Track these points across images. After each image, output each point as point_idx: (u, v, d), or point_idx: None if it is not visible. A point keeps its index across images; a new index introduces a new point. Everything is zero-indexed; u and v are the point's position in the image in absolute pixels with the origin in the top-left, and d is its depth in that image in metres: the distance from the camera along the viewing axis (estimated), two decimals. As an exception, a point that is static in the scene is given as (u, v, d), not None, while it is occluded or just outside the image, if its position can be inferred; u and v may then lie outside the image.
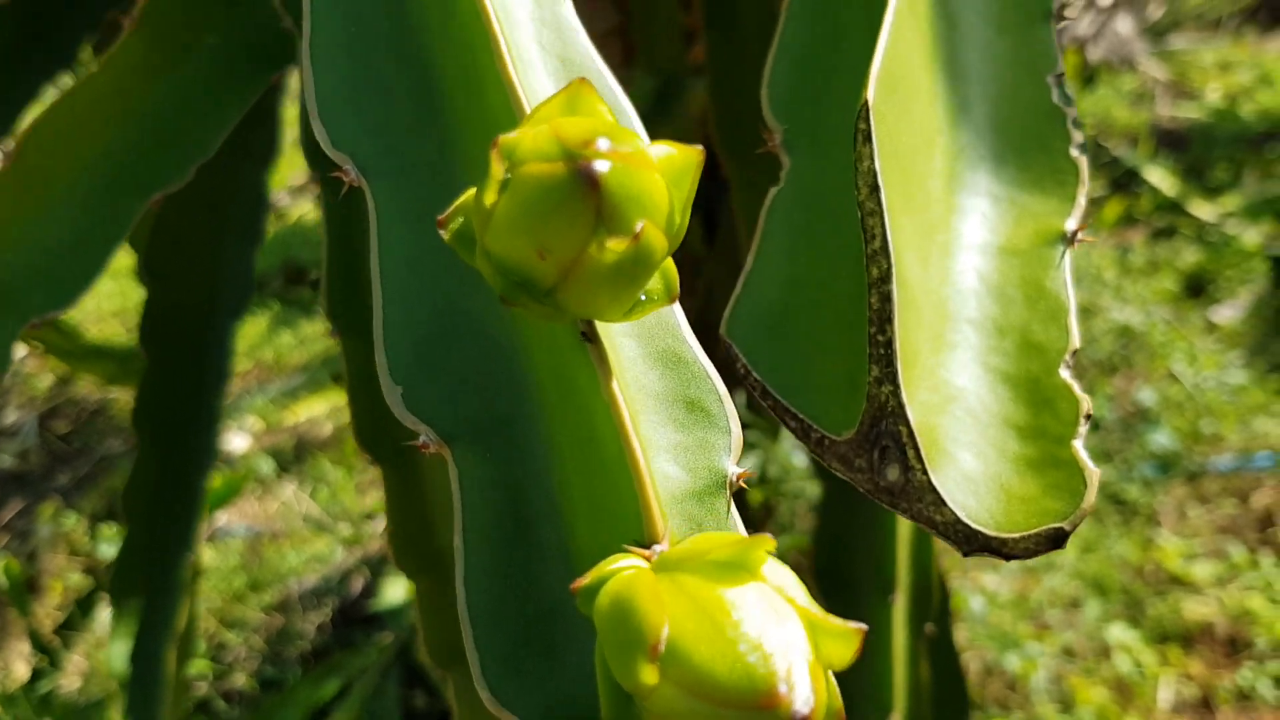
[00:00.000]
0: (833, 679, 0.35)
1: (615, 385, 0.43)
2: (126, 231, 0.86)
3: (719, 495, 0.46)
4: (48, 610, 2.68)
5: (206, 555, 2.75)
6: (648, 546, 0.41)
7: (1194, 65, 4.49)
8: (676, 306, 0.46)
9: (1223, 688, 2.13)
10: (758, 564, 0.36)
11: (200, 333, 1.29)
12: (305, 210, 4.28)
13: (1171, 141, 3.97)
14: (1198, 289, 3.19)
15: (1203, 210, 3.44)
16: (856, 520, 1.11)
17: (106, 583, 1.71)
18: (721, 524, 0.46)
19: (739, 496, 0.47)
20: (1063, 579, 2.38)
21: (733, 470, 0.46)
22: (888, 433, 0.49)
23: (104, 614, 2.38)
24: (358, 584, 2.70)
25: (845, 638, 0.35)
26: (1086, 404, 0.50)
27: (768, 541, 0.36)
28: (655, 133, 0.50)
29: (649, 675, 0.34)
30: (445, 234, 0.40)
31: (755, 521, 1.88)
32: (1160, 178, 3.62)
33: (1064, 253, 0.54)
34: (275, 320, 3.65)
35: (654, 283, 0.41)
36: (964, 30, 0.61)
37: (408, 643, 2.37)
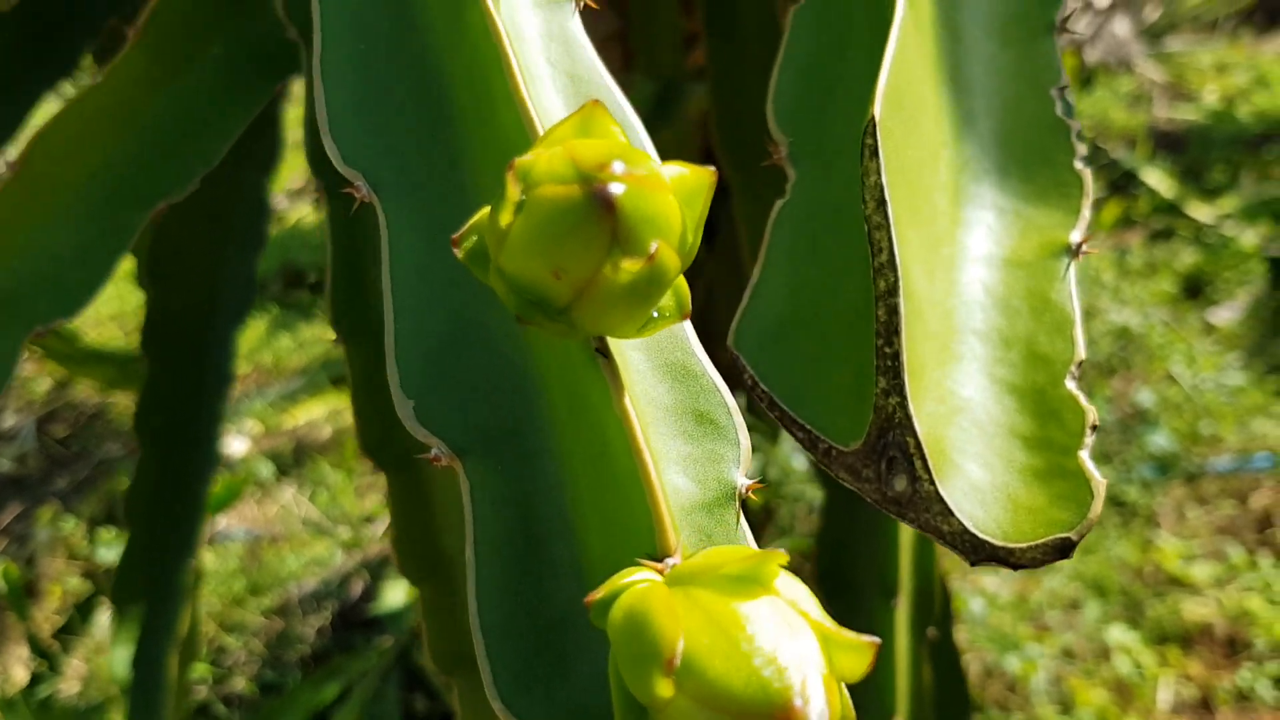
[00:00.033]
0: (845, 691, 0.36)
1: (627, 399, 0.43)
2: (132, 240, 0.87)
3: (728, 507, 0.46)
4: (46, 615, 2.68)
5: (206, 559, 2.75)
6: (660, 560, 0.41)
7: (1191, 67, 4.50)
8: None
9: (1222, 688, 2.14)
10: (771, 578, 0.37)
11: (202, 337, 1.29)
12: (304, 213, 4.28)
13: (1169, 143, 3.98)
14: (1196, 290, 3.19)
15: (1200, 212, 3.45)
16: (858, 524, 1.12)
17: (107, 588, 1.71)
18: (731, 535, 0.46)
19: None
20: (1062, 580, 2.38)
21: (742, 482, 0.47)
22: (895, 444, 0.50)
23: (103, 618, 2.38)
24: (357, 587, 2.70)
25: (858, 650, 0.35)
26: (1092, 415, 0.50)
27: (780, 556, 0.36)
28: (655, 137, 0.50)
29: (664, 688, 0.34)
30: (459, 252, 0.41)
31: (755, 525, 1.88)
32: (1158, 179, 3.62)
33: (1069, 265, 0.55)
34: (274, 324, 3.66)
35: (666, 300, 0.41)
36: (967, 44, 0.61)
37: (408, 646, 2.37)
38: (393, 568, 2.62)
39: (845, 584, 1.11)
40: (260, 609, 2.66)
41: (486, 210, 0.40)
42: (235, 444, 3.15)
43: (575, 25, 0.53)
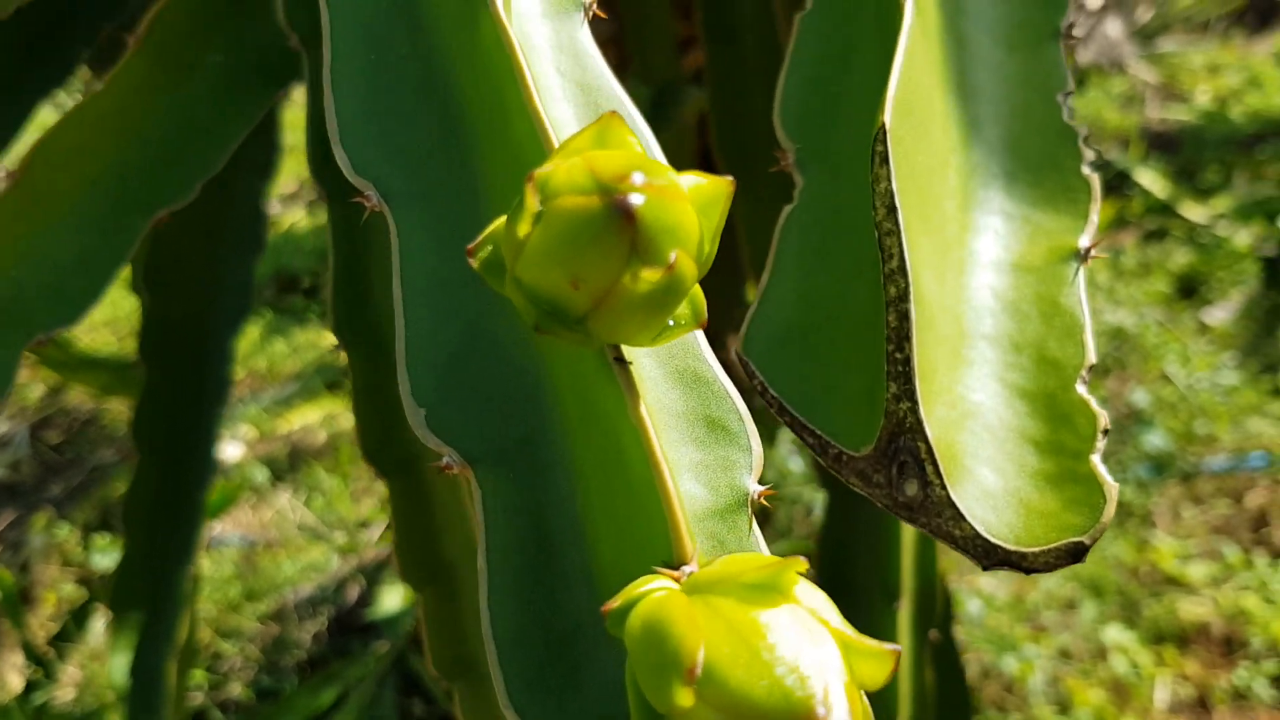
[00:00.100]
0: (865, 699, 0.36)
1: (643, 407, 0.43)
2: (133, 247, 0.87)
3: (741, 513, 0.46)
4: (41, 621, 2.67)
5: (201, 565, 2.74)
6: (676, 568, 0.41)
7: (1183, 68, 4.51)
8: (696, 327, 0.47)
9: (1219, 687, 2.14)
10: (790, 585, 0.37)
11: (199, 343, 1.29)
12: (297, 218, 4.27)
13: (1162, 144, 3.98)
14: (1190, 290, 3.20)
15: (1194, 212, 3.46)
16: (859, 527, 1.12)
17: (102, 594, 1.71)
18: (744, 542, 0.46)
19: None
20: (1058, 581, 2.39)
21: (754, 488, 0.47)
22: (906, 448, 0.50)
23: (98, 625, 2.38)
24: (353, 592, 2.69)
25: (879, 658, 0.35)
26: (1104, 419, 0.50)
27: (800, 563, 0.36)
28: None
29: (684, 698, 0.34)
30: (474, 262, 0.41)
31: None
32: (1151, 180, 3.63)
33: (1078, 269, 0.55)
34: (268, 329, 3.65)
35: (682, 308, 0.41)
36: (974, 50, 0.61)
37: (404, 651, 2.37)
38: (389, 573, 2.62)
39: (847, 587, 1.11)
40: (256, 615, 2.66)
41: (502, 220, 0.40)
42: (230, 449, 3.15)
43: (584, 35, 0.53)
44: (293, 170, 4.17)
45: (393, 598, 2.52)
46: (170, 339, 1.25)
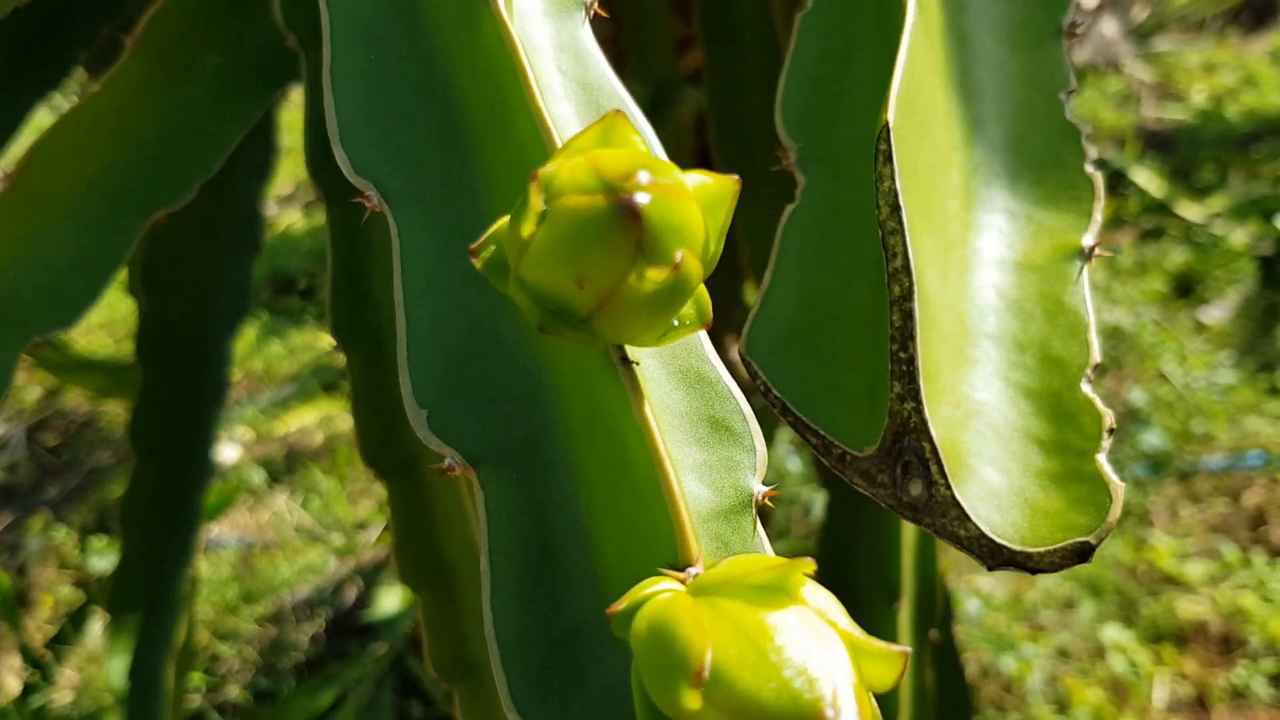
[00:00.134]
0: (874, 701, 0.36)
1: (648, 408, 0.43)
2: (130, 249, 0.86)
3: (745, 514, 0.46)
4: (38, 624, 2.66)
5: (199, 567, 2.73)
6: (681, 569, 0.41)
7: (1179, 67, 4.52)
8: (698, 327, 0.47)
9: (1217, 686, 2.14)
10: (797, 587, 0.37)
11: (197, 345, 1.28)
12: (294, 220, 4.27)
13: (1158, 143, 3.99)
14: (1186, 289, 3.20)
15: (1190, 211, 3.46)
16: (859, 527, 1.12)
17: (103, 597, 1.70)
18: (748, 543, 0.46)
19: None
20: (1056, 580, 2.39)
21: (758, 489, 0.47)
22: (910, 448, 0.49)
23: (95, 628, 2.37)
24: (351, 594, 2.69)
25: (887, 660, 0.35)
26: (1109, 418, 0.50)
27: (807, 564, 0.36)
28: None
29: (692, 700, 0.34)
30: (478, 262, 0.40)
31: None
32: (1147, 179, 3.63)
33: (1082, 268, 0.55)
34: (264, 330, 3.65)
35: (686, 308, 0.41)
36: (976, 49, 0.61)
37: (402, 653, 2.37)
38: (386, 574, 2.62)
39: (847, 587, 1.11)
40: (254, 617, 2.65)
41: (505, 220, 0.40)
42: (227, 451, 3.14)
43: (586, 34, 0.53)
44: (289, 172, 4.17)
45: (390, 599, 2.52)
46: (167, 340, 1.25)
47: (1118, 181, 3.70)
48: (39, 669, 2.24)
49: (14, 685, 2.43)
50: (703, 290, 0.41)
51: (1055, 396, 0.52)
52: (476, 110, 0.50)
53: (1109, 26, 4.45)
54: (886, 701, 1.06)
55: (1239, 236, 3.29)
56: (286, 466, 3.12)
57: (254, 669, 2.53)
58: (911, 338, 0.49)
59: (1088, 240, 0.55)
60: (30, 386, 3.43)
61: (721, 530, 0.46)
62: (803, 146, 0.59)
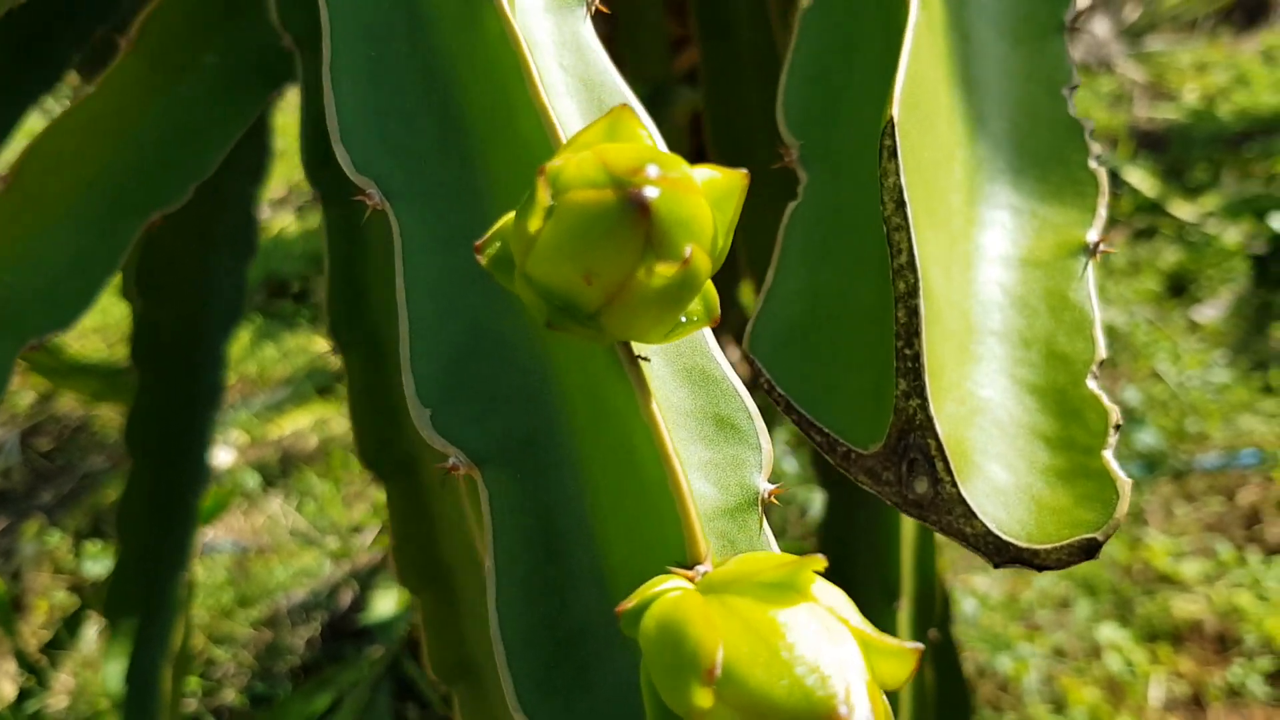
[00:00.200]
0: (885, 699, 0.35)
1: (655, 406, 0.42)
2: (126, 251, 0.86)
3: (751, 512, 0.46)
4: (33, 629, 2.65)
5: (194, 571, 2.72)
6: (689, 567, 0.41)
7: (1171, 66, 4.53)
8: (704, 324, 0.46)
9: (1213, 685, 2.14)
10: (807, 584, 0.36)
11: (192, 348, 1.28)
12: (286, 223, 4.26)
13: (1150, 142, 3.99)
14: (1179, 289, 3.21)
15: (1183, 210, 3.46)
16: (859, 526, 1.12)
17: (98, 601, 1.70)
18: (754, 541, 0.46)
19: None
20: (1052, 579, 2.39)
21: (764, 487, 0.46)
22: (916, 446, 0.49)
23: (90, 632, 2.36)
24: (347, 597, 2.68)
25: (899, 657, 0.35)
26: (1115, 414, 0.50)
27: (817, 561, 0.36)
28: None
29: (703, 699, 0.34)
30: (483, 259, 0.40)
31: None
32: (1140, 179, 3.64)
33: (1086, 264, 0.55)
34: (258, 333, 3.64)
35: (694, 304, 0.41)
36: (978, 44, 0.61)
37: (399, 656, 2.36)
38: (382, 577, 2.61)
39: (847, 586, 1.10)
40: (249, 621, 2.64)
41: (510, 216, 0.40)
42: (221, 455, 3.14)
43: (587, 30, 0.53)
44: (281, 175, 4.16)
45: (386, 603, 2.51)
46: (163, 344, 1.24)
47: (1110, 181, 3.69)
48: (34, 674, 2.23)
49: (9, 690, 2.42)
50: (710, 286, 0.41)
51: (1061, 392, 0.51)
52: (478, 107, 0.50)
53: (1101, 26, 4.46)
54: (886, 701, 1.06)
55: (1232, 235, 3.30)
56: (281, 470, 3.11)
57: (250, 673, 2.52)
58: (917, 334, 0.49)
59: (1092, 236, 0.55)
60: (24, 391, 3.42)
61: (727, 528, 0.46)
62: (804, 144, 0.59)
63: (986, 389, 0.52)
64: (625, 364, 0.43)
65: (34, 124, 1.12)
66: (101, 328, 3.73)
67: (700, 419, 0.47)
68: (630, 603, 0.38)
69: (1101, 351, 0.52)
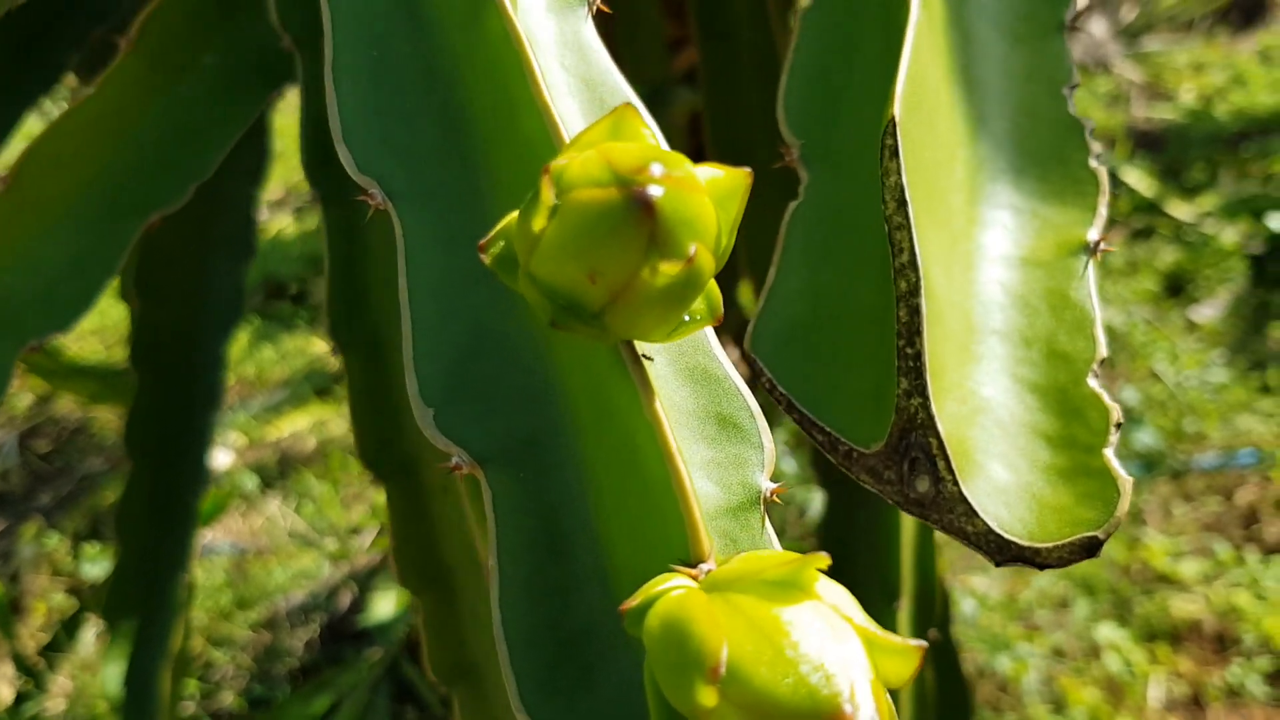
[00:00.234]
0: (889, 698, 0.35)
1: (658, 405, 0.42)
2: (125, 252, 0.86)
3: (753, 511, 0.46)
4: (31, 631, 2.65)
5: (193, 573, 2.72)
6: (693, 566, 0.41)
7: (1168, 67, 4.53)
8: (705, 324, 0.46)
9: (1212, 685, 2.15)
10: (811, 582, 0.36)
11: (191, 349, 1.28)
12: (284, 224, 4.26)
13: (1148, 143, 4.00)
14: (1177, 288, 3.21)
15: (1180, 210, 3.47)
16: (859, 526, 1.12)
17: (98, 604, 1.70)
18: (757, 540, 0.46)
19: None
20: (1051, 579, 2.39)
21: (766, 485, 0.46)
22: (917, 445, 0.49)
23: (89, 635, 2.36)
24: (345, 599, 2.68)
25: (903, 655, 0.35)
26: (1116, 413, 0.50)
27: (821, 559, 0.36)
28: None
29: (707, 697, 0.34)
30: (486, 258, 0.40)
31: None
32: (1137, 179, 3.64)
33: (1087, 263, 0.55)
34: (256, 335, 3.64)
35: (697, 303, 0.41)
36: (979, 44, 0.61)
37: (398, 658, 2.36)
38: (381, 579, 2.61)
39: (846, 586, 1.10)
40: (248, 623, 2.64)
41: (514, 215, 0.40)
42: (219, 457, 3.13)
43: (588, 30, 0.53)
44: (279, 177, 4.16)
45: (385, 604, 2.51)
46: (161, 345, 1.24)
47: (1109, 181, 3.70)
48: (32, 677, 2.23)
49: (7, 693, 2.42)
50: (713, 285, 0.41)
51: (1062, 391, 0.51)
52: (481, 107, 0.50)
53: (1098, 26, 4.46)
54: (887, 701, 1.06)
55: (1229, 235, 3.30)
56: (279, 472, 3.11)
57: (248, 675, 2.52)
58: (918, 333, 0.49)
59: (1093, 235, 0.55)
60: (22, 393, 3.42)
61: (730, 527, 0.46)
62: (805, 143, 0.59)
63: (988, 388, 0.52)
64: (628, 363, 0.43)
65: (31, 126, 1.12)
66: (99, 329, 3.73)
67: (702, 418, 0.47)
68: (634, 601, 0.38)
69: (1102, 350, 0.52)
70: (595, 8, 0.54)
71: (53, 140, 0.84)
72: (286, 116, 2.98)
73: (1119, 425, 0.50)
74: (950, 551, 2.35)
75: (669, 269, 0.36)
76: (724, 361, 0.48)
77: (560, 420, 0.47)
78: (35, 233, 0.85)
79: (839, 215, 0.57)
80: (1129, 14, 4.71)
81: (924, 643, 0.34)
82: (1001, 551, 0.48)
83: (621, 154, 0.35)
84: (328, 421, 3.22)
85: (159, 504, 1.28)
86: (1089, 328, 0.53)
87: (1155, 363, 2.90)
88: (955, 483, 0.48)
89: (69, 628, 2.26)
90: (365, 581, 2.68)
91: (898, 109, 0.51)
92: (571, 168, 0.36)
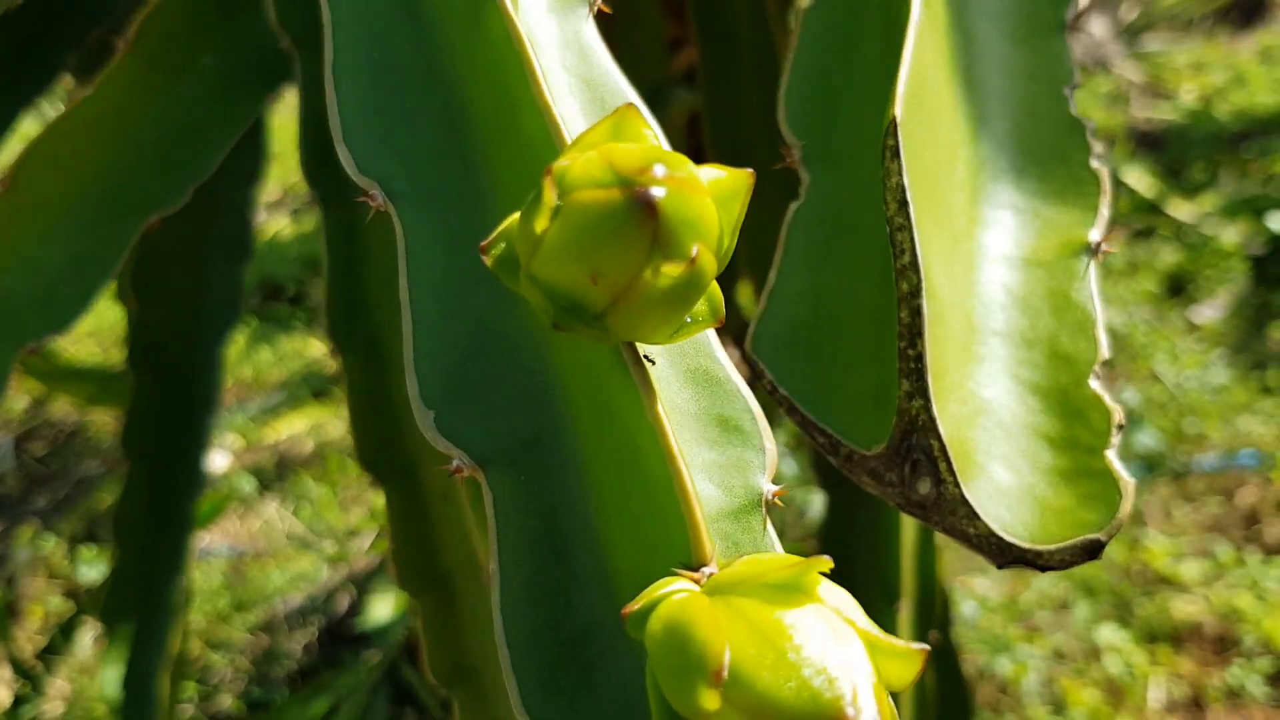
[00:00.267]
0: (891, 701, 0.35)
1: (660, 407, 0.42)
2: (124, 253, 0.86)
3: (755, 514, 0.46)
4: (28, 635, 2.64)
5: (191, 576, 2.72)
6: (695, 569, 0.41)
7: (1168, 66, 4.53)
8: (707, 326, 0.46)
9: (1212, 686, 2.14)
10: (813, 585, 0.36)
11: (189, 351, 1.28)
12: (281, 226, 4.26)
13: (1148, 142, 4.00)
14: (1178, 289, 3.21)
15: (1181, 210, 3.47)
16: (859, 528, 1.11)
17: (95, 606, 1.69)
18: (758, 542, 0.46)
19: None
20: (1051, 581, 2.39)
21: (768, 488, 0.46)
22: (919, 447, 0.49)
23: (86, 638, 2.36)
24: (343, 602, 2.68)
25: (906, 658, 0.35)
26: (1118, 414, 0.50)
27: (823, 563, 0.36)
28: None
29: (710, 701, 0.33)
30: (488, 260, 0.40)
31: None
32: (1138, 179, 3.64)
33: (1088, 264, 0.54)
34: (253, 337, 3.63)
35: (699, 305, 0.41)
36: (980, 44, 0.61)
37: (396, 660, 2.36)
38: (379, 581, 2.61)
39: (847, 587, 1.10)
40: (246, 626, 2.64)
41: (516, 216, 0.40)
42: (217, 459, 3.13)
43: (589, 30, 0.52)
44: (276, 178, 4.16)
45: (383, 607, 2.50)
46: (159, 347, 1.24)
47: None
48: (29, 680, 2.22)
49: (5, 696, 2.41)
50: (715, 287, 0.40)
51: (1064, 393, 0.51)
52: (481, 107, 0.50)
53: (1098, 26, 4.46)
54: (887, 703, 1.06)
55: (1230, 235, 3.30)
56: (277, 474, 3.11)
57: (247, 678, 2.52)
58: (920, 335, 0.49)
59: (1094, 235, 0.55)
60: (18, 396, 3.41)
61: (731, 530, 0.45)
62: (806, 144, 0.58)
63: (989, 389, 0.52)
64: (630, 365, 0.43)
65: (28, 127, 1.11)
66: (95, 331, 3.73)
67: (704, 420, 0.47)
68: (636, 605, 0.38)
69: (1104, 352, 0.52)
70: (596, 8, 0.54)
71: (51, 141, 0.84)
72: (283, 117, 2.98)
73: (1121, 427, 0.50)
74: (950, 553, 2.35)
75: (671, 270, 0.36)
76: (726, 363, 0.48)
77: (562, 422, 0.47)
78: (34, 234, 0.85)
79: (840, 216, 0.56)
80: (1129, 14, 4.71)
81: (926, 646, 0.34)
82: (1003, 554, 0.48)
83: (624, 155, 0.35)
84: (325, 424, 3.22)
85: (156, 506, 1.28)
86: (1091, 329, 0.52)
87: (1156, 363, 2.90)
88: (957, 485, 0.48)
89: (66, 631, 2.26)
90: (363, 584, 2.68)
91: (899, 109, 0.50)
92: (573, 169, 0.36)
